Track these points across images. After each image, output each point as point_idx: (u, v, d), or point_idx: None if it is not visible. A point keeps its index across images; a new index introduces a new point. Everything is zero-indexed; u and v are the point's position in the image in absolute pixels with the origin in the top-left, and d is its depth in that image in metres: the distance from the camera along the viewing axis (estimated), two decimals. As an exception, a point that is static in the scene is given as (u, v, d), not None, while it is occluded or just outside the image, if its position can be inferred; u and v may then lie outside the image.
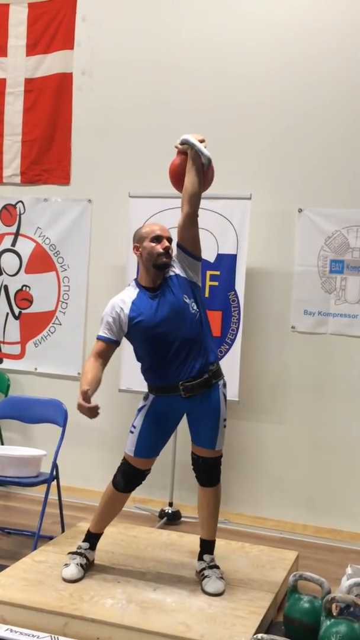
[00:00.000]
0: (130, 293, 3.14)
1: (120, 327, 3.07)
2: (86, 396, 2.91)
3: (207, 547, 3.25)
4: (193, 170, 3.14)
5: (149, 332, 3.05)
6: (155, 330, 3.04)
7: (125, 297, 3.12)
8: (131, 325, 3.06)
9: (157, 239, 3.11)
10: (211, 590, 3.07)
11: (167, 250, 3.10)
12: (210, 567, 3.17)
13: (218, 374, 3.18)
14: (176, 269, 3.15)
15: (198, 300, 3.15)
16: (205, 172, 3.18)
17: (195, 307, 3.11)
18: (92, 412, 2.90)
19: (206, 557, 3.22)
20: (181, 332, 3.05)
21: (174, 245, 3.19)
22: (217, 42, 4.57)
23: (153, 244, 3.10)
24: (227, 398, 4.30)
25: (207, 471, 3.20)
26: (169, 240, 3.14)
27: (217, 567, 3.19)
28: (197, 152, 3.14)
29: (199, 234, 3.18)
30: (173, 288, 3.10)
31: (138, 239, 3.17)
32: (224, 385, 3.22)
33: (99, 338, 3.09)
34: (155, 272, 3.11)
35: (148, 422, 3.15)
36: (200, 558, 3.24)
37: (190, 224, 3.12)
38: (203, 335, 3.12)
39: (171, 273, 3.14)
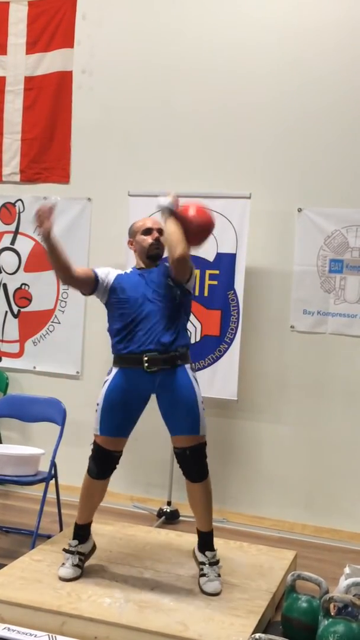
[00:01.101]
0: (125, 270, 3.35)
1: (107, 279, 3.25)
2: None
3: (205, 539, 3.23)
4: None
5: (126, 293, 3.18)
6: (129, 293, 3.18)
7: (121, 271, 3.33)
8: (114, 283, 3.23)
9: (148, 231, 3.27)
10: (209, 590, 3.06)
11: (157, 241, 3.25)
12: (211, 565, 3.16)
13: (185, 358, 3.19)
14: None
15: (182, 297, 3.22)
16: (183, 222, 3.15)
17: (177, 293, 3.18)
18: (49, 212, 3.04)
19: (208, 553, 3.20)
20: (156, 302, 3.16)
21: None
22: (217, 41, 4.57)
23: (144, 237, 3.28)
24: (226, 397, 4.34)
25: (196, 462, 3.14)
26: (159, 231, 3.26)
27: (217, 563, 3.19)
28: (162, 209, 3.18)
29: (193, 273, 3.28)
30: (162, 271, 3.24)
31: (131, 233, 3.34)
32: (193, 370, 3.23)
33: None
34: (148, 263, 3.29)
35: (110, 397, 3.17)
36: (202, 551, 3.22)
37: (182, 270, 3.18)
38: (178, 317, 3.20)
39: (166, 263, 3.25)
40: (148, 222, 3.30)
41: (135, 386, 3.16)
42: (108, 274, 3.28)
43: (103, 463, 3.21)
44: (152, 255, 3.26)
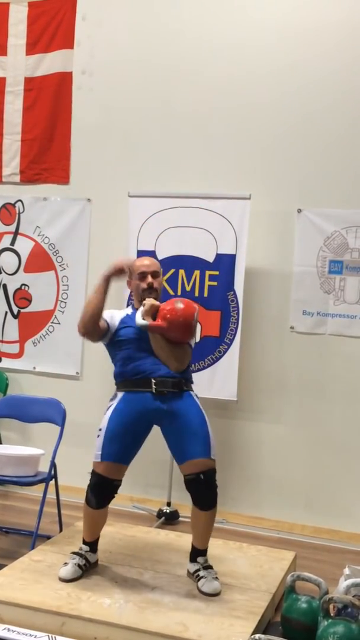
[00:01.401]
0: (126, 311, 3.39)
1: (112, 322, 3.29)
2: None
3: (199, 553, 3.23)
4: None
5: (130, 334, 3.22)
6: (134, 335, 3.21)
7: (122, 311, 3.38)
8: (119, 328, 3.26)
9: (142, 275, 3.27)
10: (208, 591, 3.05)
11: (150, 286, 3.25)
12: (205, 568, 3.16)
13: (189, 386, 3.24)
14: None
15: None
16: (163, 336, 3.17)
17: None
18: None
19: (200, 559, 3.20)
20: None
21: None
22: (216, 42, 4.57)
23: (138, 282, 3.28)
24: (226, 398, 4.34)
25: (208, 488, 3.10)
26: (154, 275, 3.28)
27: (211, 567, 3.18)
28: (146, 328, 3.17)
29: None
30: None
31: (130, 273, 3.32)
32: (197, 397, 3.26)
33: None
34: None
35: (114, 422, 3.14)
36: (193, 560, 3.22)
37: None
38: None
39: None
40: (142, 267, 3.29)
41: (142, 410, 3.14)
42: (112, 317, 3.30)
43: (102, 493, 3.14)
44: (145, 299, 3.24)
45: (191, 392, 3.23)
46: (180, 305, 3.15)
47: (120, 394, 3.21)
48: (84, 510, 3.23)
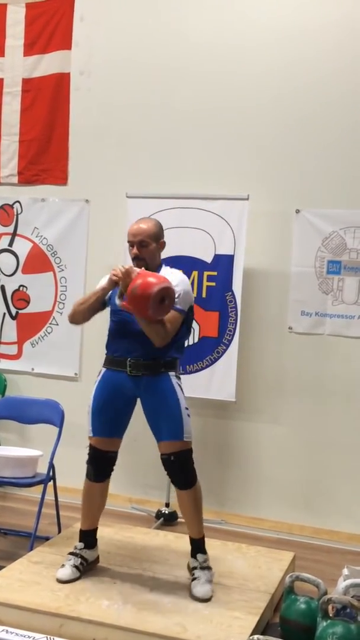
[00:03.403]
0: None
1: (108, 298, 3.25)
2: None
3: (196, 545, 3.22)
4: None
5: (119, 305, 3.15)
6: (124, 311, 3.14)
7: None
8: (111, 295, 3.22)
9: (130, 244, 3.19)
10: (198, 595, 3.03)
11: (136, 257, 3.17)
12: (202, 568, 3.15)
13: (170, 367, 3.18)
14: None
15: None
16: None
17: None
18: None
19: (199, 556, 3.19)
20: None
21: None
22: (215, 42, 4.57)
23: (129, 248, 3.21)
24: (224, 399, 4.33)
25: (181, 469, 3.11)
26: (140, 244, 3.15)
27: (209, 568, 3.17)
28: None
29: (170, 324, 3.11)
30: None
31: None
32: (178, 378, 3.21)
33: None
34: None
35: (98, 397, 3.21)
36: (194, 556, 3.21)
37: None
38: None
39: (169, 274, 3.17)
40: (129, 235, 3.18)
41: (120, 387, 3.18)
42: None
43: (99, 464, 3.22)
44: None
45: (170, 374, 3.16)
46: (138, 281, 2.94)
47: (102, 370, 3.26)
48: (83, 487, 3.28)
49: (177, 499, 3.25)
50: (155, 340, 3.06)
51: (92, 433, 3.21)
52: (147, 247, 3.16)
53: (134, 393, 3.20)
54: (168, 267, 3.28)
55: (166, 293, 2.97)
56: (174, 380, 3.18)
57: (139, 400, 3.24)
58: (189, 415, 3.15)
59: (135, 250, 3.16)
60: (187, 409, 3.16)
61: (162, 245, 3.24)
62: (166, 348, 3.13)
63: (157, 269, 3.22)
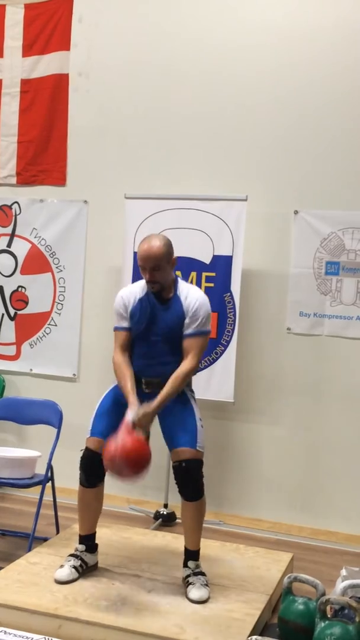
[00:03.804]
0: (139, 289, 3.23)
1: (128, 315, 3.21)
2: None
3: (190, 554, 3.20)
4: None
5: (135, 322, 3.18)
6: (139, 325, 3.17)
7: (134, 292, 3.23)
8: (129, 318, 3.20)
9: (142, 269, 3.14)
10: (195, 598, 3.01)
11: (152, 282, 3.13)
12: (195, 574, 3.13)
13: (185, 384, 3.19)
14: (181, 296, 3.19)
15: None
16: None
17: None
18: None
19: (190, 563, 3.17)
20: (163, 338, 3.15)
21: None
22: (213, 43, 4.57)
23: (141, 270, 3.17)
24: (223, 399, 4.33)
25: (191, 478, 3.09)
26: (154, 269, 3.10)
27: (201, 573, 3.15)
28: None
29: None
30: (176, 313, 3.15)
31: None
32: (191, 392, 3.24)
33: (116, 329, 3.23)
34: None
35: (108, 400, 3.21)
36: (185, 565, 3.19)
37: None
38: (181, 355, 3.16)
39: (183, 295, 3.17)
40: (141, 259, 3.11)
41: None
42: (125, 310, 3.20)
43: (90, 467, 3.16)
44: (152, 294, 3.18)
45: (185, 390, 3.18)
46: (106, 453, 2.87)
47: (115, 384, 3.25)
48: (78, 494, 3.26)
49: (181, 510, 3.21)
50: (188, 380, 3.14)
51: (90, 433, 3.19)
52: (160, 271, 3.12)
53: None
54: (184, 283, 3.27)
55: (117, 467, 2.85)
56: (189, 394, 3.21)
57: None
58: (202, 427, 3.15)
59: (148, 276, 3.13)
60: (200, 419, 3.16)
61: (174, 263, 3.19)
62: (178, 364, 3.14)
63: (173, 285, 3.19)
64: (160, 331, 3.15)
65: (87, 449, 3.20)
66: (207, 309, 3.18)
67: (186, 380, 3.13)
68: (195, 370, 3.17)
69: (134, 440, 2.87)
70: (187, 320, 3.13)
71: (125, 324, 3.21)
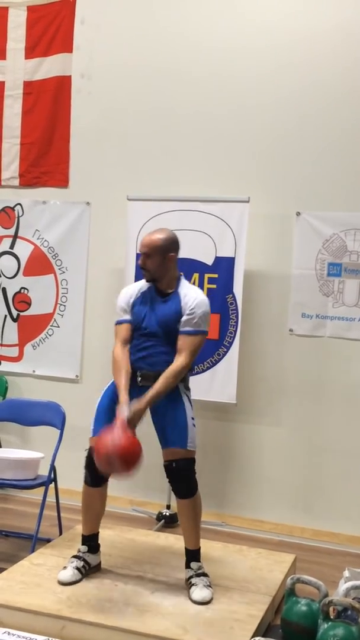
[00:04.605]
0: (143, 284, 3.30)
1: (130, 307, 3.26)
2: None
3: (191, 555, 3.20)
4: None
5: (135, 316, 3.23)
6: (137, 318, 3.22)
7: (139, 286, 3.31)
8: (131, 308, 3.27)
9: (138, 255, 3.26)
10: (197, 599, 3.02)
11: (142, 267, 3.21)
12: (197, 575, 3.13)
13: (180, 384, 3.19)
14: (181, 293, 3.23)
15: None
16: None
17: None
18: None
19: (193, 564, 3.17)
20: (160, 332, 3.16)
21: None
22: (215, 45, 4.58)
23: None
24: (225, 401, 4.33)
25: (183, 477, 3.11)
26: (146, 255, 3.17)
27: (204, 574, 3.15)
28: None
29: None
30: (174, 307, 3.17)
31: None
32: (187, 389, 3.23)
33: (118, 323, 3.28)
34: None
35: (105, 400, 3.22)
36: (188, 566, 3.19)
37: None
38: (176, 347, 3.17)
39: (183, 293, 3.20)
40: (139, 244, 3.25)
41: (129, 394, 3.15)
42: (127, 304, 3.26)
43: (93, 467, 3.15)
44: (154, 288, 3.24)
45: (179, 385, 3.17)
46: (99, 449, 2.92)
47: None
48: (82, 493, 3.27)
49: (177, 510, 3.23)
50: (179, 378, 3.12)
51: (92, 433, 3.20)
52: (151, 259, 3.17)
53: None
54: (187, 283, 3.30)
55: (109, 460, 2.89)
56: (183, 391, 3.20)
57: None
58: (194, 426, 3.16)
59: (140, 261, 3.22)
60: (193, 419, 3.16)
61: (171, 259, 3.20)
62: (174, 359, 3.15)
63: (175, 282, 3.22)
64: (156, 323, 3.17)
65: (91, 449, 3.21)
66: (205, 310, 3.19)
67: (178, 378, 3.11)
68: (186, 368, 3.14)
69: (127, 437, 2.90)
70: (183, 318, 3.14)
71: (127, 316, 3.25)
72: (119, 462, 2.87)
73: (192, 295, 3.19)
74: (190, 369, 3.25)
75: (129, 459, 2.88)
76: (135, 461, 2.90)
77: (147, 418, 3.16)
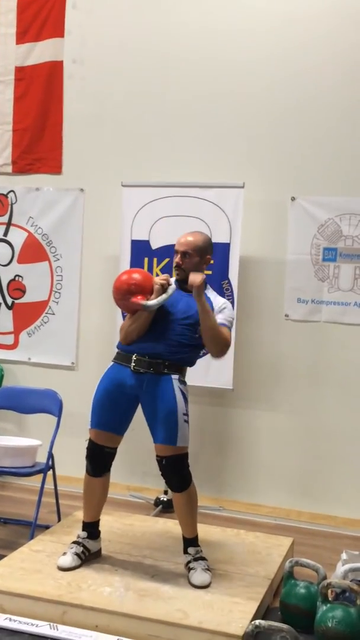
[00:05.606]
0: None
1: None
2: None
3: (189, 542, 3.22)
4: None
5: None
6: (165, 306, 3.21)
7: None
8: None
9: (175, 252, 3.28)
10: (197, 583, 3.05)
11: (177, 265, 3.25)
12: (196, 560, 3.16)
13: (175, 370, 3.18)
14: (210, 296, 3.27)
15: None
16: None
17: (196, 332, 3.17)
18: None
19: (191, 549, 3.19)
20: (175, 327, 3.18)
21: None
22: (209, 29, 4.54)
23: (174, 255, 3.29)
24: (222, 386, 4.34)
25: (173, 473, 3.13)
26: (184, 254, 3.23)
27: (202, 558, 3.18)
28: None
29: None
30: (191, 302, 3.17)
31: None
32: (182, 383, 3.20)
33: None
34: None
35: (99, 391, 3.23)
36: (186, 551, 3.21)
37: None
38: (184, 342, 3.17)
39: (207, 294, 3.24)
40: (177, 242, 3.27)
41: (121, 384, 3.18)
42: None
43: (96, 458, 3.21)
44: (176, 280, 3.27)
45: (173, 377, 3.15)
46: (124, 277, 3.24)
47: (111, 364, 3.28)
48: (84, 481, 3.29)
49: (173, 500, 3.25)
50: (214, 349, 3.17)
51: (90, 424, 3.22)
52: (190, 259, 3.22)
53: (135, 392, 3.18)
54: (211, 290, 3.33)
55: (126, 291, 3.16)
56: (177, 384, 3.16)
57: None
58: (186, 422, 3.14)
59: (178, 259, 3.24)
60: (185, 414, 3.14)
61: (207, 261, 3.30)
62: (175, 349, 3.16)
63: (204, 285, 3.20)
64: (180, 312, 3.19)
65: (90, 441, 3.23)
66: (232, 313, 3.31)
67: (218, 335, 3.12)
68: (227, 343, 3.16)
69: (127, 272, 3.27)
70: (217, 314, 3.20)
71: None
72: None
73: (222, 299, 3.29)
74: (192, 363, 3.28)
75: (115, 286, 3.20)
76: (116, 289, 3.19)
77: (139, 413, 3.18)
